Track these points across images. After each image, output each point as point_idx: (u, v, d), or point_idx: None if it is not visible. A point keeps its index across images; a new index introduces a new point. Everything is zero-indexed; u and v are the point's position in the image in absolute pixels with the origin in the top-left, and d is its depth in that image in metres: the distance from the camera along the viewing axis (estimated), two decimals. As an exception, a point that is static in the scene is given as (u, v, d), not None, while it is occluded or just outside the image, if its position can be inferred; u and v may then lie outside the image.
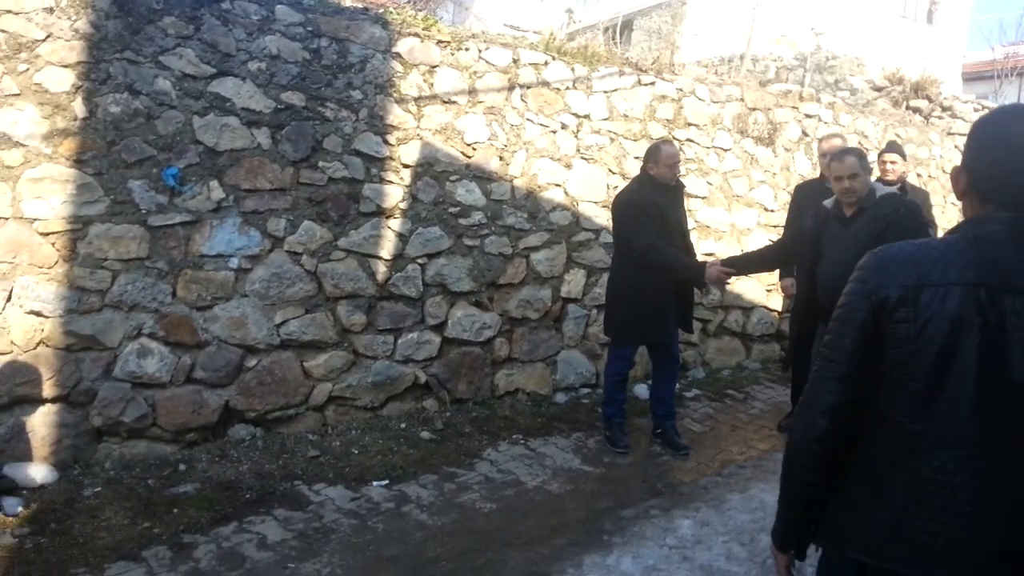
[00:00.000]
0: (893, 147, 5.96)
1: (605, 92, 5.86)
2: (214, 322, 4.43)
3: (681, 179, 5.21)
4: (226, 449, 4.43)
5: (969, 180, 1.58)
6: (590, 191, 5.78)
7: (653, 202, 4.68)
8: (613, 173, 5.88)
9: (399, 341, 5.06)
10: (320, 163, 4.68)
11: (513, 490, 4.30)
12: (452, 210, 5.20)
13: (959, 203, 1.67)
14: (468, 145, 5.24)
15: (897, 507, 1.50)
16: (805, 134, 7.16)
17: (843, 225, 3.93)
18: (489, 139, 5.32)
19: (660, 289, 4.67)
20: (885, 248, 1.59)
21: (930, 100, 8.27)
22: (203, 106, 4.34)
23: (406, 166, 5.00)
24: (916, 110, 8.04)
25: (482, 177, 5.31)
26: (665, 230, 4.69)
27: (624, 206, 4.76)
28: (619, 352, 4.92)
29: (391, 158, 4.93)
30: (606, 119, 5.87)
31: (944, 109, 8.46)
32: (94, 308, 4.12)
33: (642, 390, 5.83)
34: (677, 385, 5.41)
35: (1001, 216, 1.50)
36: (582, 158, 5.79)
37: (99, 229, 4.10)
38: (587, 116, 5.77)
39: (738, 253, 6.69)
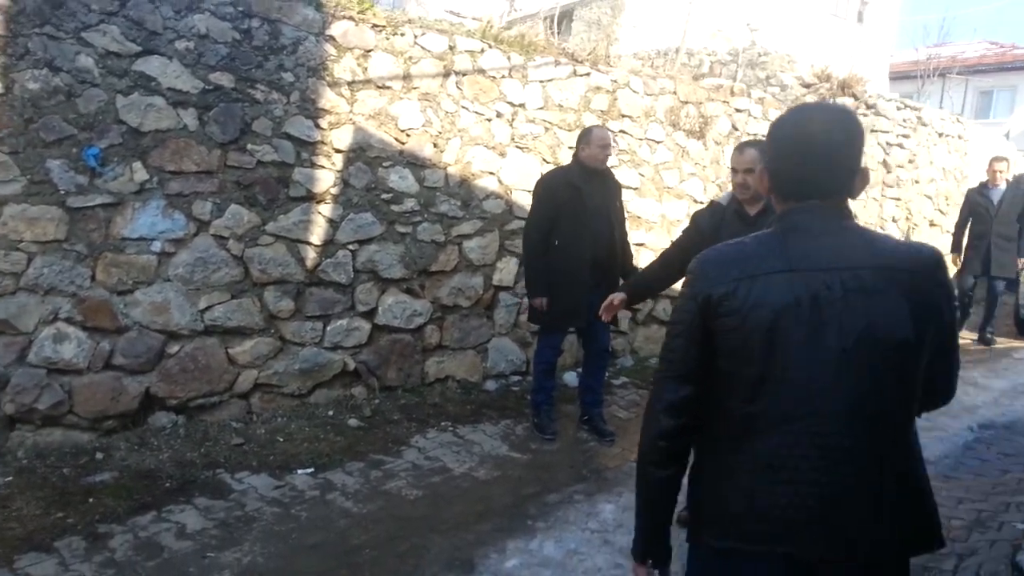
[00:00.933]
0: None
1: (541, 82, 5.88)
2: (135, 307, 4.32)
3: (612, 168, 5.26)
4: (146, 437, 4.34)
5: (771, 179, 1.70)
6: (524, 180, 5.80)
7: (574, 185, 4.72)
8: (547, 162, 5.91)
9: (328, 328, 5.02)
10: (249, 146, 4.59)
11: (440, 477, 4.32)
12: (384, 196, 5.16)
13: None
14: (402, 131, 5.21)
15: (747, 488, 1.56)
16: (735, 128, 7.30)
17: (746, 224, 3.59)
18: (423, 126, 5.29)
19: (576, 274, 4.72)
20: (706, 252, 1.68)
21: (856, 98, 8.51)
22: (127, 85, 4.21)
23: (338, 151, 4.94)
24: (842, 108, 8.27)
25: (416, 164, 5.29)
26: (581, 216, 4.70)
27: (538, 186, 4.88)
28: (546, 340, 4.97)
29: (323, 142, 4.87)
30: (541, 108, 5.90)
31: (869, 107, 8.72)
32: (8, 291, 3.98)
33: (572, 378, 5.90)
34: (606, 373, 5.49)
35: (800, 208, 1.62)
36: (517, 147, 5.81)
37: (14, 210, 3.96)
38: (522, 105, 5.79)
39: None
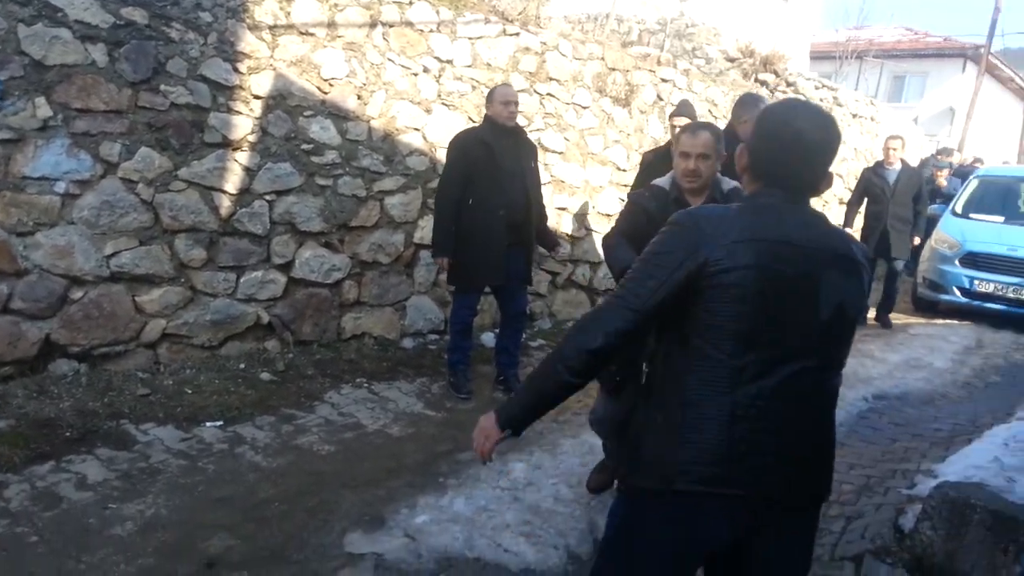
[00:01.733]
0: (684, 109, 5.73)
1: (470, 39, 5.81)
2: (36, 249, 4.12)
3: (538, 131, 5.25)
4: (45, 385, 4.17)
5: (749, 160, 1.84)
6: (449, 138, 5.72)
7: (485, 143, 4.71)
8: (473, 121, 5.86)
9: (241, 279, 4.90)
10: (162, 87, 4.40)
11: (353, 433, 4.31)
12: (305, 147, 5.04)
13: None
14: (325, 80, 5.08)
15: (725, 434, 1.67)
16: (660, 98, 7.39)
17: None
18: (347, 76, 5.17)
19: (490, 234, 4.71)
20: (698, 209, 1.86)
21: (777, 75, 8.72)
22: (30, 14, 3.96)
23: (257, 97, 4.78)
24: (763, 83, 8.46)
25: (338, 115, 5.17)
26: (495, 175, 4.70)
27: (451, 144, 4.86)
28: (462, 300, 4.97)
29: (241, 87, 4.70)
30: (469, 66, 5.83)
31: (788, 84, 8.95)
32: None
33: (489, 338, 5.93)
34: (524, 335, 5.54)
35: (770, 192, 1.79)
36: (443, 104, 5.74)
37: (-99, 140, 3.71)
38: (450, 61, 5.71)
39: (589, 211, 6.89)
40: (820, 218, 1.81)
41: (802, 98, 7.66)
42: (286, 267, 5.09)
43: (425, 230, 5.73)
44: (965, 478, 3.35)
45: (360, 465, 3.95)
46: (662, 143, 7.31)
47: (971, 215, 8.98)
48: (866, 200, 7.98)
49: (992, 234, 8.42)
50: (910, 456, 4.56)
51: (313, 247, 5.20)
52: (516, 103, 4.84)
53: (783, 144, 1.76)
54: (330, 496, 3.59)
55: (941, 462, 4.06)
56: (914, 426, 5.20)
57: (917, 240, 8.29)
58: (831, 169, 1.82)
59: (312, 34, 4.97)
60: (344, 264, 5.36)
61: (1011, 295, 8.08)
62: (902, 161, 7.95)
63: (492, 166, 4.69)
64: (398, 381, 5.08)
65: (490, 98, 4.85)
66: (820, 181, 1.81)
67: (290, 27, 4.87)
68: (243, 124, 4.74)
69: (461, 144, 4.78)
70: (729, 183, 3.38)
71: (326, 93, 5.09)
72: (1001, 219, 8.78)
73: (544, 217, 5.13)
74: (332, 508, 3.49)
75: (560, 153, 6.60)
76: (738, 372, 1.68)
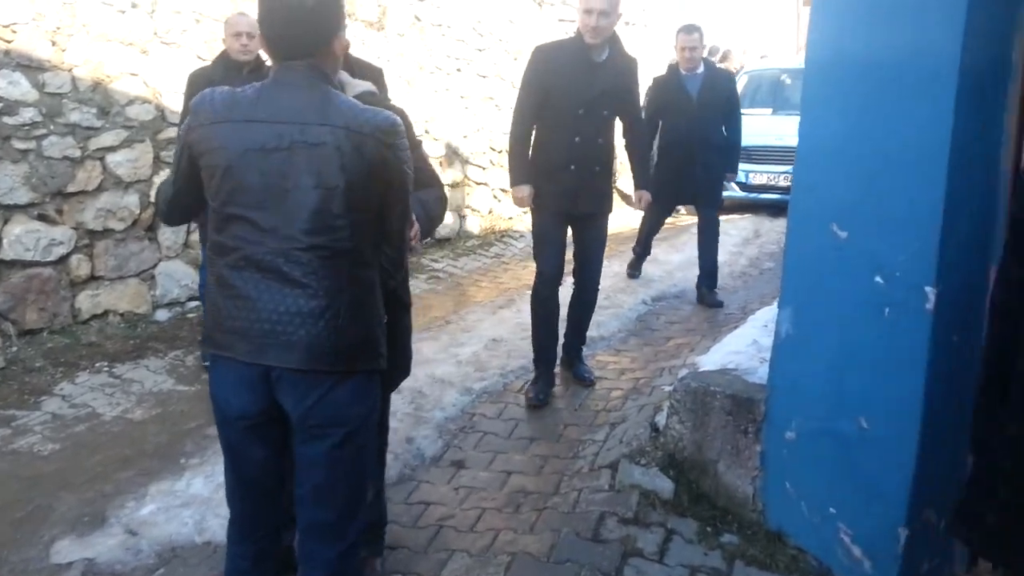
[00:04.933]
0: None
1: (183, -33, 5.19)
2: None
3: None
4: None
5: (262, 40, 1.80)
6: (177, 81, 5.12)
7: (212, 83, 4.17)
8: (203, 60, 5.28)
9: (-68, 269, 4.21)
10: None
11: (86, 425, 3.82)
12: (-10, 108, 4.34)
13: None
14: (5, 27, 4.35)
15: (216, 303, 1.81)
16: (418, 19, 7.01)
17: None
18: (33, 20, 4.46)
19: None
20: (203, 92, 1.80)
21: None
22: None
23: (-89, 54, 4.04)
24: (531, -2, 8.30)
25: (29, 66, 4.47)
26: None
27: (186, 83, 4.33)
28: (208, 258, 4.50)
29: None
30: (188, -2, 5.22)
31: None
32: None
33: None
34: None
35: (281, 66, 1.76)
36: (162, 43, 5.12)
37: None
38: (162, -6, 5.08)
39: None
40: (321, 92, 1.73)
41: None
42: (-9, 249, 4.42)
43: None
44: (723, 366, 3.34)
45: (89, 460, 3.49)
46: (425, 68, 6.99)
47: (742, 111, 9.26)
48: (661, 125, 5.80)
49: (762, 127, 8.70)
50: (680, 352, 4.60)
51: (24, 222, 4.53)
52: (251, 35, 4.18)
53: (271, 14, 1.73)
54: (45, 501, 3.15)
55: (706, 353, 4.08)
56: (688, 321, 5.29)
57: (731, 179, 6.32)
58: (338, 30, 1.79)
59: (-26, -27, 4.23)
60: (67, 237, 4.72)
61: (783, 183, 8.38)
62: (706, 63, 5.81)
63: None
64: (146, 359, 4.57)
65: (225, 29, 4.32)
66: (322, 44, 1.75)
67: (-58, -34, 4.12)
68: (-103, 87, 3.99)
69: (191, 81, 4.24)
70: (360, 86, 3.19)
71: (8, 42, 4.37)
72: (769, 111, 9.12)
73: None
74: (44, 515, 3.05)
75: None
76: (221, 248, 1.77)
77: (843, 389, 2.45)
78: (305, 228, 1.70)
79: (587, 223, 3.99)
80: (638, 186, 4.27)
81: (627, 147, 4.29)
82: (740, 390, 2.95)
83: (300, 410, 1.80)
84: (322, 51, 1.76)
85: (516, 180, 3.97)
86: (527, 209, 4.09)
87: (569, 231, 4.05)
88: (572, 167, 3.82)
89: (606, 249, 4.15)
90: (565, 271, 4.07)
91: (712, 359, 3.54)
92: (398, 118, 1.79)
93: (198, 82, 4.14)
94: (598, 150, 3.89)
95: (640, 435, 3.30)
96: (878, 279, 2.27)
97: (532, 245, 4.19)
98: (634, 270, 6.41)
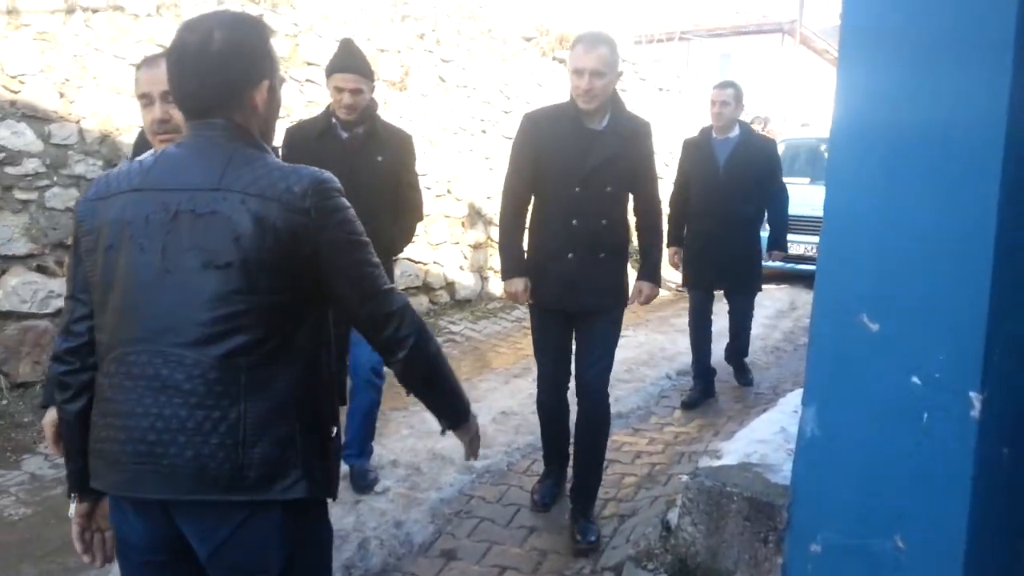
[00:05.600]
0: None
1: (202, 22, 5.13)
2: None
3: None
4: None
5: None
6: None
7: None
8: (218, 116, 5.20)
9: (-79, 320, 4.08)
10: None
11: (64, 487, 3.58)
12: (-6, 157, 4.25)
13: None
14: (12, 78, 4.30)
15: (93, 424, 1.47)
16: (442, 79, 6.92)
17: None
18: (42, 71, 4.41)
19: None
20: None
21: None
22: None
23: (-83, 101, 3.98)
24: (561, 61, 8.19)
25: (35, 117, 4.40)
26: None
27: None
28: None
29: None
30: (205, 53, 5.15)
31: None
32: None
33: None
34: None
35: (192, 125, 1.48)
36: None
37: None
38: (179, 49, 5.02)
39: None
40: (223, 152, 1.42)
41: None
42: (-14, 300, 4.29)
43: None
44: (746, 456, 3.04)
45: (58, 528, 3.25)
46: (448, 129, 6.88)
47: (780, 180, 9.02)
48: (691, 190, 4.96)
49: (799, 197, 8.42)
50: (703, 435, 4.28)
51: (21, 273, 4.40)
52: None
53: (170, 65, 1.47)
54: (3, 574, 2.91)
55: (729, 439, 3.78)
56: (715, 401, 4.96)
57: (777, 256, 5.51)
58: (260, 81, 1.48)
59: (-13, 23, 4.19)
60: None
61: (820, 254, 8.08)
62: (739, 124, 4.95)
63: None
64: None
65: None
66: (232, 98, 1.45)
67: (-45, 16, 4.08)
68: (-100, 134, 3.92)
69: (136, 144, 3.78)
70: None
71: (15, 92, 4.31)
72: (807, 180, 8.85)
73: None
74: (-3, 592, 2.81)
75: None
76: (99, 347, 1.47)
77: (876, 502, 2.13)
78: (191, 319, 1.36)
79: (590, 321, 3.24)
80: (639, 276, 3.47)
81: (636, 228, 3.49)
82: (760, 492, 2.63)
83: (206, 549, 1.42)
84: (235, 105, 1.45)
85: (508, 272, 3.31)
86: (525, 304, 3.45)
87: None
88: (570, 255, 3.16)
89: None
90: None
91: (735, 447, 3.24)
92: (327, 175, 1.46)
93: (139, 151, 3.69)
94: (602, 233, 3.18)
95: (649, 534, 2.98)
96: (915, 380, 1.97)
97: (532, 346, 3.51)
98: (693, 404, 4.89)
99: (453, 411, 1.73)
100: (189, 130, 1.48)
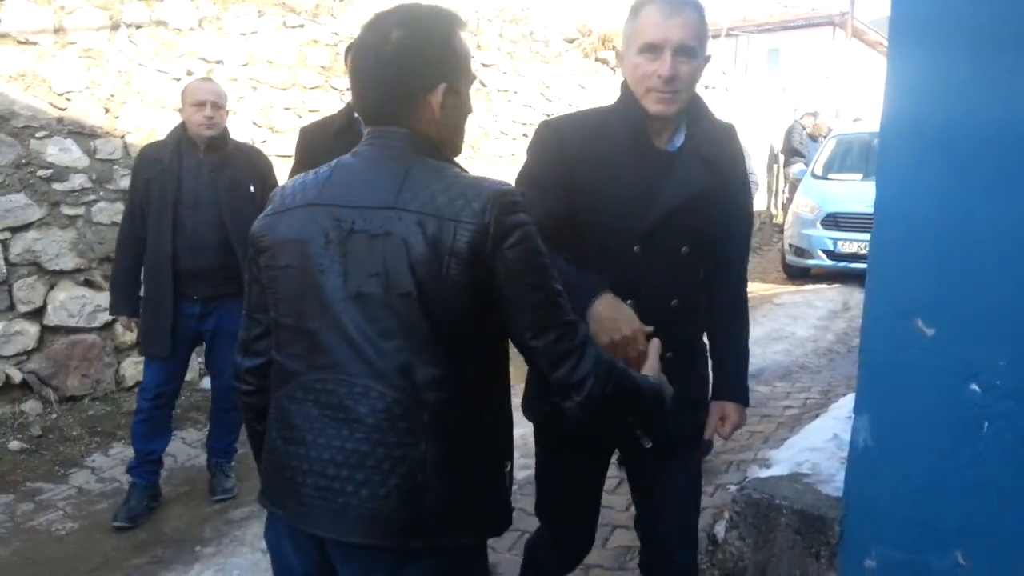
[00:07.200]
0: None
1: (242, 35, 5.18)
2: None
3: (240, 143, 3.72)
4: None
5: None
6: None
7: (159, 161, 3.39)
8: (259, 127, 5.24)
9: (-24, 335, 4.16)
10: None
11: (110, 502, 3.64)
12: (42, 173, 4.33)
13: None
14: (59, 95, 4.38)
15: (275, 444, 1.42)
16: (483, 84, 6.89)
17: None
18: (88, 88, 4.48)
19: (162, 279, 3.39)
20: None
21: (616, 51, 8.36)
22: None
23: (-33, 121, 4.07)
24: (604, 61, 8.10)
25: (82, 133, 4.48)
26: (167, 213, 3.31)
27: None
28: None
29: (-58, 111, 3.98)
30: (245, 65, 5.20)
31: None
32: None
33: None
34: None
35: (371, 132, 1.40)
36: (220, 110, 5.09)
37: None
38: (220, 62, 5.07)
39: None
40: (399, 167, 1.32)
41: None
42: (36, 314, 4.37)
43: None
44: (797, 465, 2.93)
45: (105, 542, 3.30)
46: (490, 134, 6.84)
47: (830, 176, 8.79)
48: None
49: (851, 193, 8.21)
50: (753, 442, 4.14)
51: (69, 288, 4.48)
52: (215, 104, 3.36)
53: (352, 67, 1.42)
54: (47, 591, 2.94)
55: (779, 447, 3.65)
56: (764, 406, 4.81)
57: None
58: (428, 91, 1.34)
59: (35, 43, 4.27)
60: (114, 303, 4.65)
61: (874, 252, 7.85)
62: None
63: (161, 205, 3.35)
64: (184, 431, 4.40)
65: (182, 98, 3.46)
66: (405, 106, 1.34)
67: (4, 36, 4.16)
68: (-48, 153, 4.01)
69: (134, 169, 3.53)
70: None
71: (62, 109, 4.39)
72: (859, 176, 8.60)
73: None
74: (41, 608, 2.83)
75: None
76: (281, 370, 1.41)
77: (934, 516, 2.02)
78: (377, 349, 1.29)
79: (662, 463, 1.99)
80: (717, 393, 2.14)
81: (712, 310, 2.07)
82: (811, 505, 2.52)
83: None
84: (412, 112, 1.34)
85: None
86: None
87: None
88: None
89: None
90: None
91: (785, 456, 3.13)
92: (508, 187, 1.32)
93: (142, 158, 3.51)
94: (674, 322, 1.87)
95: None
96: (974, 387, 1.86)
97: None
98: None
99: (651, 424, 1.65)
100: (366, 137, 1.39)
